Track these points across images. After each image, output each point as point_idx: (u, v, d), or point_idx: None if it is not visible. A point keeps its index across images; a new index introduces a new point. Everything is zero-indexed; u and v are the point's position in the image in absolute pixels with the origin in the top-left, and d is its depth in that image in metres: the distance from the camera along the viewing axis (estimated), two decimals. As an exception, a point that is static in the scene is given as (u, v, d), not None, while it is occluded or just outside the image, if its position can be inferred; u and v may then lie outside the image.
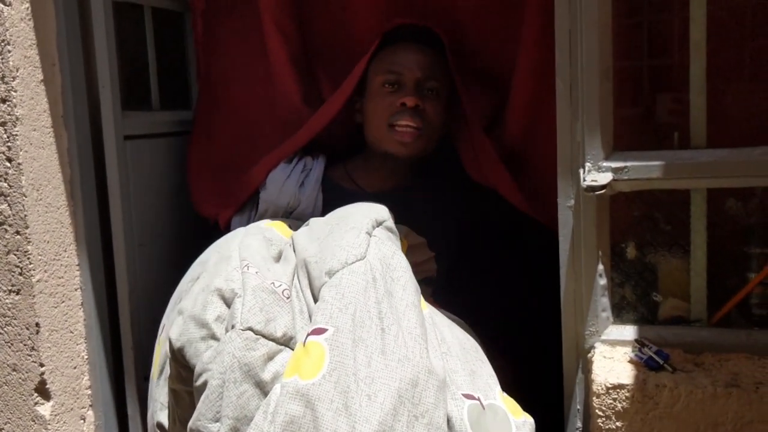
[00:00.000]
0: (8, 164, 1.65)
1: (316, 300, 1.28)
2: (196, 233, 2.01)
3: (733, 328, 1.29)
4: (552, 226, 1.54)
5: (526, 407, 1.32)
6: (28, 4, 1.65)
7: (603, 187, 1.25)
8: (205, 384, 1.22)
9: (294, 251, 1.42)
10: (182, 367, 1.29)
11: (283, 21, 1.82)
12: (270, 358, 1.22)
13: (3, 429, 1.76)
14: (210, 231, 1.81)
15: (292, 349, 1.24)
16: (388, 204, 1.57)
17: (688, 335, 1.29)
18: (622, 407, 1.22)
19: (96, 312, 1.81)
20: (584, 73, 1.26)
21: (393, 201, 1.64)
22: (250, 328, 1.22)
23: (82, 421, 1.80)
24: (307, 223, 1.55)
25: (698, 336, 1.29)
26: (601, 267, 1.31)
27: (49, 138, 1.71)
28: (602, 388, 1.23)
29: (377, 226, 1.40)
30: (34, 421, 1.72)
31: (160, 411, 1.42)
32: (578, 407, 1.35)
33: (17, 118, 1.63)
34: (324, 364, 1.15)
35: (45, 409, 1.72)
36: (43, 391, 1.71)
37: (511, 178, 1.72)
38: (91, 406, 1.83)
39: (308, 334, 1.20)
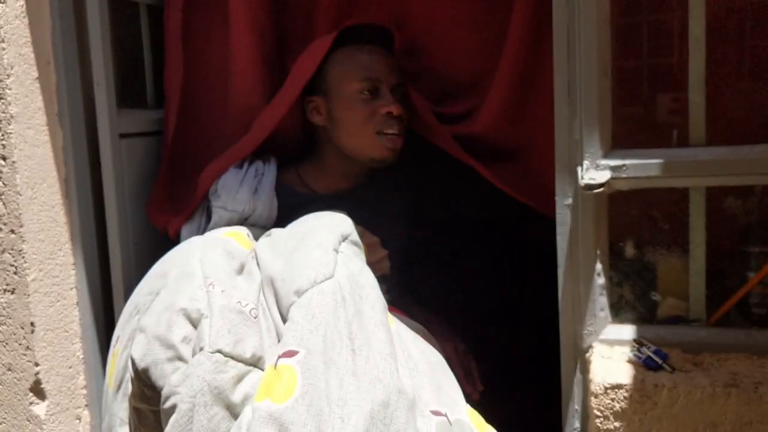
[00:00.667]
0: (3, 162, 1.64)
1: (283, 318, 1.28)
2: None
3: (732, 327, 1.28)
4: (545, 211, 1.53)
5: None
6: (22, 2, 1.64)
7: (601, 185, 1.24)
8: (173, 407, 1.21)
9: (258, 265, 1.41)
10: (146, 386, 1.28)
11: (258, 16, 1.75)
12: (239, 379, 1.21)
13: (-3, 429, 1.75)
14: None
15: (261, 369, 1.24)
16: (342, 205, 1.62)
17: (686, 335, 1.29)
18: (620, 407, 1.21)
19: (91, 311, 1.80)
20: (583, 70, 1.25)
21: (346, 202, 1.68)
22: (219, 351, 1.21)
23: (77, 420, 1.80)
24: (268, 233, 1.53)
25: (697, 335, 1.28)
26: (599, 266, 1.31)
27: (43, 136, 1.70)
28: (600, 388, 1.22)
29: (343, 241, 1.40)
30: (29, 420, 1.71)
31: (119, 427, 1.39)
32: (576, 407, 1.34)
33: (12, 116, 1.62)
34: (296, 388, 1.14)
35: (40, 408, 1.71)
36: (38, 390, 1.70)
37: (479, 163, 1.70)
38: (86, 405, 1.82)
39: (279, 357, 1.20)
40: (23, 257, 1.65)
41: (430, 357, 1.39)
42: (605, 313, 1.32)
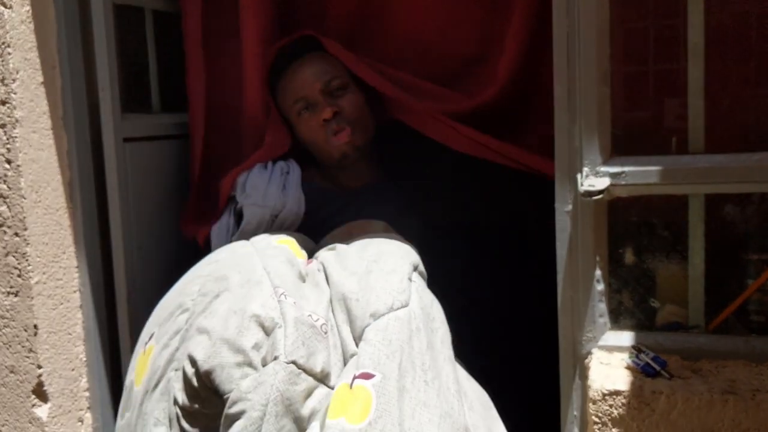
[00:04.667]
0: (7, 166, 1.65)
1: (355, 337, 1.29)
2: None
3: (731, 334, 1.28)
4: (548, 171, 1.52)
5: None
6: (28, 7, 1.66)
7: (600, 192, 1.25)
8: (241, 413, 1.20)
9: (327, 280, 1.42)
10: (204, 388, 1.26)
11: (268, 27, 1.83)
12: (309, 393, 1.22)
13: (0, 431, 1.76)
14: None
15: (327, 385, 1.24)
16: (363, 200, 1.75)
17: (685, 342, 1.29)
18: (618, 414, 1.21)
19: (95, 314, 1.81)
20: (582, 77, 1.26)
21: (366, 197, 1.79)
22: (293, 362, 1.21)
23: (80, 423, 1.80)
24: (331, 246, 1.54)
25: (696, 342, 1.28)
26: (598, 272, 1.31)
27: (48, 140, 1.71)
28: (599, 395, 1.22)
29: (414, 271, 1.41)
30: (31, 423, 1.72)
31: (154, 426, 1.35)
32: (575, 413, 1.34)
33: (17, 120, 1.63)
34: (371, 410, 1.16)
35: (42, 411, 1.72)
36: (40, 393, 1.71)
37: (483, 135, 1.73)
38: (89, 408, 1.82)
39: (355, 377, 1.21)
40: (27, 260, 1.66)
41: (481, 397, 1.40)
42: (604, 320, 1.32)
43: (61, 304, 1.75)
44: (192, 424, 1.29)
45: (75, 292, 1.78)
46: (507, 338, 1.76)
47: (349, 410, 1.16)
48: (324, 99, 1.78)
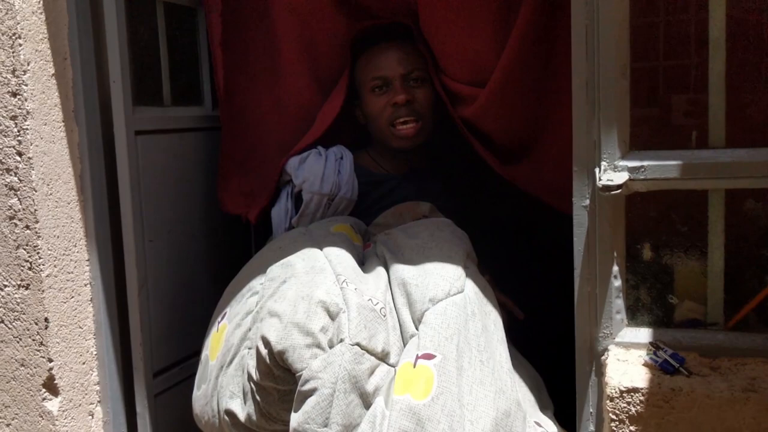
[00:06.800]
0: (18, 158, 1.64)
1: (414, 319, 1.42)
2: (206, 229, 2.01)
3: (751, 331, 1.27)
4: (559, 207, 1.56)
5: None
6: (40, -2, 1.65)
7: (619, 186, 1.23)
8: (313, 390, 1.32)
9: (385, 264, 1.56)
10: (277, 367, 1.38)
11: (307, 21, 1.88)
12: (372, 371, 1.35)
13: (10, 425, 1.75)
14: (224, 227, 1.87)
15: (388, 364, 1.37)
16: (409, 184, 1.88)
17: (704, 338, 1.27)
18: (636, 411, 1.20)
19: (105, 307, 1.80)
20: (601, 70, 1.24)
21: (412, 182, 1.91)
22: (357, 344, 1.34)
23: (90, 417, 1.80)
24: (387, 232, 1.68)
25: (715, 339, 1.27)
26: (616, 268, 1.29)
27: (60, 132, 1.70)
28: (616, 392, 1.21)
29: (468, 258, 1.55)
30: (41, 416, 1.72)
31: (230, 399, 1.48)
32: (591, 410, 1.33)
33: (28, 112, 1.62)
34: (433, 388, 1.29)
35: (53, 404, 1.71)
36: (51, 386, 1.71)
37: (483, 148, 1.84)
38: (99, 401, 1.82)
39: (418, 357, 1.34)
40: (38, 253, 1.66)
41: (528, 371, 1.55)
42: (621, 316, 1.31)
43: (72, 297, 1.74)
44: (264, 398, 1.42)
45: (86, 285, 1.77)
46: (524, 331, 1.76)
47: (413, 387, 1.29)
48: (401, 84, 1.83)
